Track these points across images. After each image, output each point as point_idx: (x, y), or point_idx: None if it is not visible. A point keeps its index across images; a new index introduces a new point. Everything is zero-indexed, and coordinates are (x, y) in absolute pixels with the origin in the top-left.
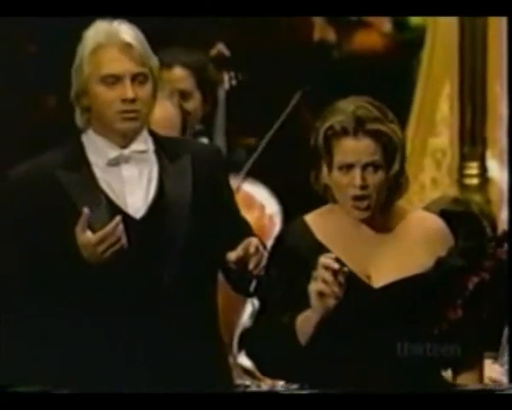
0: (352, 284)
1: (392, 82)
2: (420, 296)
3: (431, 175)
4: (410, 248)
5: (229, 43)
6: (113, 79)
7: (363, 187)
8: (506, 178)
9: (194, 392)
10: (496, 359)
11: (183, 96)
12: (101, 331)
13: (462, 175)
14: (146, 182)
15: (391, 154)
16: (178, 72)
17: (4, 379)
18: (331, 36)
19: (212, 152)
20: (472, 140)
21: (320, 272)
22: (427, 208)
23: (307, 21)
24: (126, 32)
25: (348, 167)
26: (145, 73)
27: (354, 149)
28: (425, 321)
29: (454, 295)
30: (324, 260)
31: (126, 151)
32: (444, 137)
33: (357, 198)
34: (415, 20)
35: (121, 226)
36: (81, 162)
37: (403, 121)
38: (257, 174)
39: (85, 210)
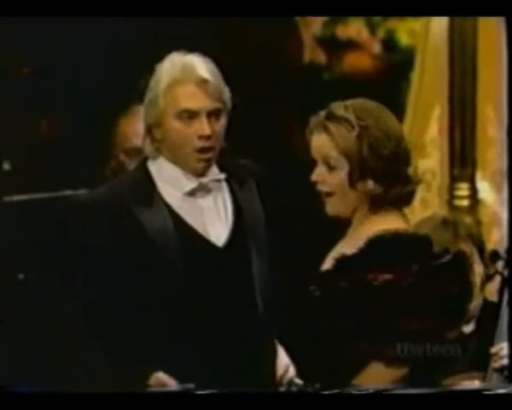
0: None
1: (382, 103)
2: None
3: (421, 196)
4: None
5: (220, 65)
6: (189, 114)
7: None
8: (496, 199)
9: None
10: (484, 379)
11: None
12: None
13: (452, 196)
14: (222, 209)
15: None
16: None
17: (4, 379)
18: (321, 57)
19: (271, 175)
20: (462, 161)
21: None
22: (416, 227)
23: (297, 43)
24: (202, 66)
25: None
26: (220, 108)
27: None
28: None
29: None
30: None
31: (204, 180)
32: (434, 159)
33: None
34: (404, 42)
35: None
36: (152, 192)
37: None
38: None
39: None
